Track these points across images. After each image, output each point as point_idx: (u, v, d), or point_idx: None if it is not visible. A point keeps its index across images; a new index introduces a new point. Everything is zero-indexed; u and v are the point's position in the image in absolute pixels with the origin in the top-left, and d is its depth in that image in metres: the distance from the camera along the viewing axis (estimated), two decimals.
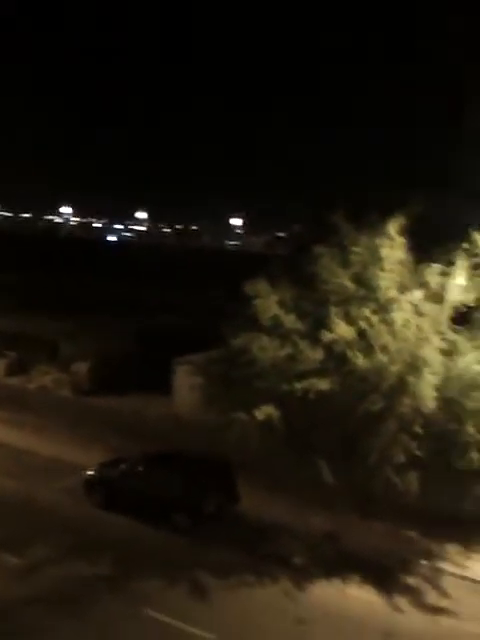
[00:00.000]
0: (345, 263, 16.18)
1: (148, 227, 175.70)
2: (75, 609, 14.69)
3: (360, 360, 15.09)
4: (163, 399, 26.93)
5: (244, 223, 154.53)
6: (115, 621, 14.51)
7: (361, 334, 15.40)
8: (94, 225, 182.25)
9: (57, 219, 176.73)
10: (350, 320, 15.47)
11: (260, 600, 15.65)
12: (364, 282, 16.01)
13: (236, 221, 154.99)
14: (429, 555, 17.36)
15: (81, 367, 29.62)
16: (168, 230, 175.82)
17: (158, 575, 16.20)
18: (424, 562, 17.14)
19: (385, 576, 16.46)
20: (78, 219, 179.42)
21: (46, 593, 15.26)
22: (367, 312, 15.53)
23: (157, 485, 18.88)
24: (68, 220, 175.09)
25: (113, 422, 24.90)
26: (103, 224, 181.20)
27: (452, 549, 17.57)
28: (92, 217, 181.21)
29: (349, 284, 15.96)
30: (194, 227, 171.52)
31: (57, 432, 25.13)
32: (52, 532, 18.08)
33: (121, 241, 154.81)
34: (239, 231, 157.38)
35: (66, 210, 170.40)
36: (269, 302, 16.24)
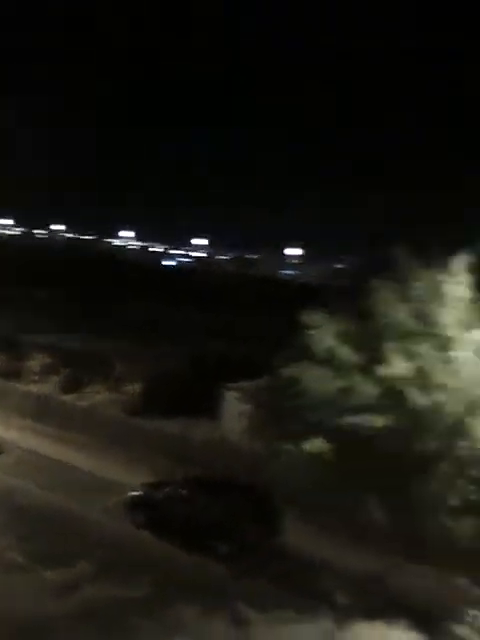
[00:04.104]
0: (405, 298, 15.81)
1: (207, 254, 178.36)
2: (108, 631, 14.51)
3: (416, 398, 14.64)
4: (211, 424, 26.83)
5: (303, 253, 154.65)
6: None
7: (419, 371, 14.95)
8: (152, 250, 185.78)
9: (117, 242, 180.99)
10: (408, 356, 15.05)
11: (300, 638, 15.15)
12: (424, 318, 15.60)
13: (293, 251, 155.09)
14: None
15: (134, 388, 29.86)
16: (225, 257, 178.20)
17: (195, 603, 15.88)
18: (475, 612, 16.34)
19: (432, 624, 15.73)
20: (139, 243, 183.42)
21: (80, 611, 15.19)
22: (426, 349, 15.09)
23: (199, 511, 18.71)
24: (128, 244, 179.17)
25: (161, 444, 24.90)
26: (164, 249, 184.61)
27: None
28: (151, 242, 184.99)
29: (408, 319, 15.57)
30: (251, 256, 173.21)
31: (106, 450, 25.38)
32: (92, 549, 18.10)
33: (179, 266, 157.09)
34: (296, 261, 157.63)
35: (127, 234, 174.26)
36: (325, 333, 15.99)
